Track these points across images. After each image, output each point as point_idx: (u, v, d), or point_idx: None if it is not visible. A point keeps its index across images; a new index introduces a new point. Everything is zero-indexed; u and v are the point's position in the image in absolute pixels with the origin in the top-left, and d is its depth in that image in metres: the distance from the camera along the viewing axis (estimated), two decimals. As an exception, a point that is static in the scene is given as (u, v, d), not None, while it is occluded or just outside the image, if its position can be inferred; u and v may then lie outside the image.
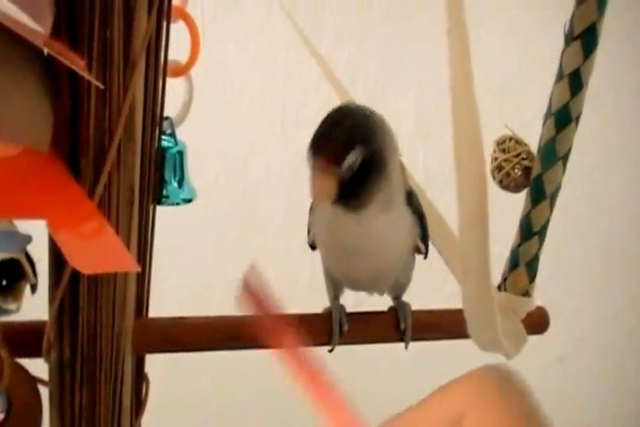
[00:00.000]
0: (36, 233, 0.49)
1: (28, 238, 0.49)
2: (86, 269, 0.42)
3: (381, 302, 0.77)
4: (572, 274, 1.57)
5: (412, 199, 0.69)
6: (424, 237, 0.72)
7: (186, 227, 1.34)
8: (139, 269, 0.45)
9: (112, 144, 0.52)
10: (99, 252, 0.45)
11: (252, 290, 0.61)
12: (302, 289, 1.24)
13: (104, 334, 0.57)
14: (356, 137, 0.60)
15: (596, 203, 1.59)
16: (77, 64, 0.45)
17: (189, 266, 1.37)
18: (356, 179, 0.60)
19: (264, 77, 1.42)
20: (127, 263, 0.46)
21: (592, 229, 1.60)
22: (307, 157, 0.61)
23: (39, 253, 0.54)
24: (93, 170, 0.52)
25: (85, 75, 0.45)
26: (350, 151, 0.59)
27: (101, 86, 0.48)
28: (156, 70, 0.56)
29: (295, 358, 0.53)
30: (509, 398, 0.33)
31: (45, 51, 0.48)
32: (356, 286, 0.76)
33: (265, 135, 1.42)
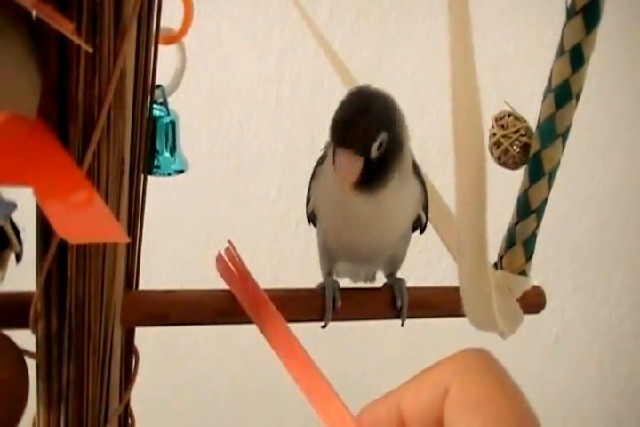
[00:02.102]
0: (22, 201, 0.48)
1: (13, 206, 0.48)
2: (73, 238, 0.41)
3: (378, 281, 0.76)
4: (567, 255, 1.57)
5: (416, 168, 0.70)
6: (425, 206, 0.72)
7: (178, 201, 1.33)
8: (128, 239, 0.44)
9: (102, 112, 0.50)
10: (87, 222, 0.44)
11: (228, 267, 0.61)
12: (295, 265, 1.24)
13: (92, 306, 0.56)
14: (381, 123, 0.60)
15: (590, 183, 1.58)
16: (66, 28, 0.43)
17: (181, 240, 1.36)
18: (378, 163, 0.61)
19: (259, 51, 1.41)
20: (116, 234, 0.45)
21: (587, 210, 1.59)
22: (330, 141, 0.62)
23: (24, 221, 0.53)
24: (82, 138, 0.51)
25: (75, 38, 0.44)
26: (377, 137, 0.59)
27: (90, 50, 0.47)
28: (148, 37, 0.55)
29: (277, 335, 0.53)
30: (491, 376, 0.34)
31: (33, 13, 0.47)
32: (353, 259, 0.75)
33: (259, 110, 1.41)
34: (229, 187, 1.38)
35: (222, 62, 1.38)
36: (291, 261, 1.33)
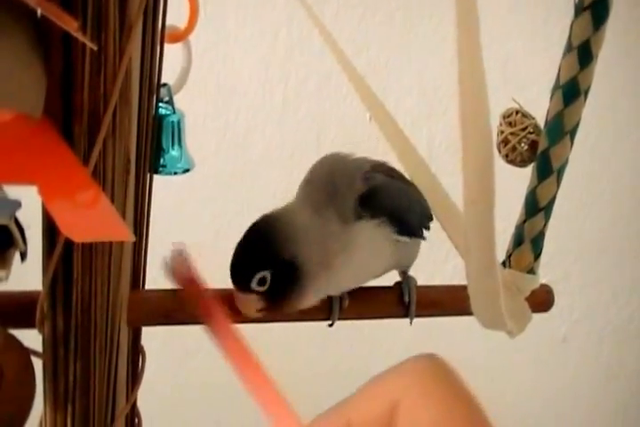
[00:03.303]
0: (26, 199, 0.47)
1: (18, 204, 0.48)
2: (79, 237, 0.41)
3: (386, 279, 0.76)
4: (574, 254, 1.57)
5: (366, 203, 0.68)
6: (403, 229, 0.70)
7: (184, 201, 1.33)
8: (133, 238, 0.44)
9: (107, 110, 0.50)
10: (92, 220, 0.44)
11: (179, 269, 0.60)
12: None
13: (99, 306, 0.56)
14: (254, 264, 0.62)
15: (598, 182, 1.58)
16: (71, 26, 0.43)
17: (187, 240, 1.36)
18: (278, 291, 0.62)
19: (265, 50, 1.41)
20: (122, 233, 0.45)
21: (595, 209, 1.59)
22: None
23: (28, 220, 0.53)
24: (88, 137, 0.50)
25: (79, 36, 0.44)
26: (253, 278, 0.61)
27: (95, 48, 0.46)
28: (154, 35, 0.55)
29: (224, 335, 0.53)
30: (443, 386, 0.34)
31: (38, 12, 0.47)
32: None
33: (266, 109, 1.40)
34: (235, 187, 1.38)
35: (228, 62, 1.38)
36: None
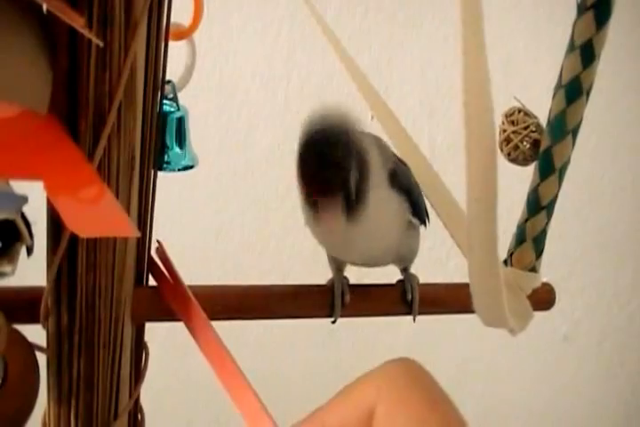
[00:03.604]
0: (33, 194, 0.48)
1: (24, 199, 0.48)
2: (84, 232, 0.41)
3: (387, 275, 0.76)
4: (576, 253, 1.57)
5: (395, 179, 0.68)
6: (416, 211, 0.71)
7: (187, 198, 1.33)
8: (138, 234, 0.44)
9: (112, 107, 0.50)
10: (97, 216, 0.44)
11: (160, 266, 0.61)
12: (304, 261, 1.24)
13: (103, 301, 0.56)
14: (346, 165, 0.60)
15: (600, 181, 1.58)
16: (77, 21, 0.44)
17: (190, 237, 1.36)
18: (356, 197, 0.62)
19: (268, 48, 1.41)
20: (127, 228, 0.45)
21: (596, 208, 1.59)
22: (299, 186, 0.63)
23: (35, 215, 0.53)
24: (93, 133, 0.51)
25: (85, 32, 0.44)
26: (347, 179, 0.60)
27: (101, 44, 0.47)
28: (158, 32, 0.55)
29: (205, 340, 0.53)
30: (419, 390, 0.34)
31: (44, 8, 0.47)
32: (358, 265, 0.75)
33: (268, 107, 1.40)
34: (238, 184, 1.38)
35: (231, 59, 1.38)
36: (300, 257, 1.33)
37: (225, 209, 1.39)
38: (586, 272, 1.58)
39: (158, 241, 0.63)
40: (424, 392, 0.34)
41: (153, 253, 0.63)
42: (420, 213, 0.72)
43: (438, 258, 1.30)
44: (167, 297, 0.60)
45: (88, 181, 0.46)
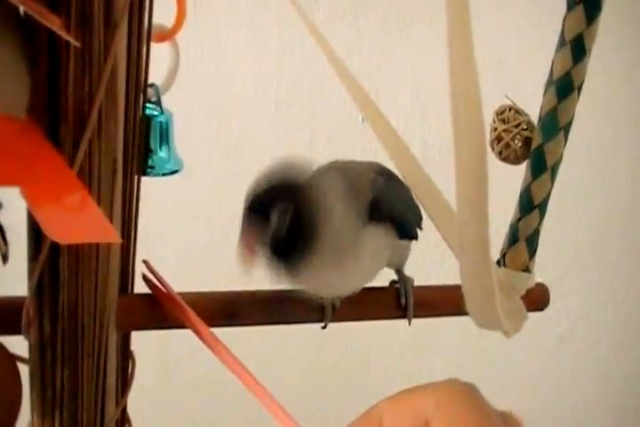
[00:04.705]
0: (7, 200, 0.47)
1: (-1, 205, 0.47)
2: (64, 239, 0.40)
3: (382, 277, 0.75)
4: (571, 253, 1.56)
5: (376, 209, 0.67)
6: (403, 233, 0.70)
7: (176, 206, 1.32)
8: (120, 240, 0.43)
9: (93, 110, 0.49)
10: (77, 222, 0.43)
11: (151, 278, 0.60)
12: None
13: (86, 310, 0.55)
14: (282, 192, 0.61)
15: (594, 180, 1.57)
16: (54, 23, 0.43)
17: (181, 244, 1.35)
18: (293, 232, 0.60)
19: (257, 53, 1.40)
20: (108, 234, 0.44)
21: (591, 208, 1.58)
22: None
23: (9, 221, 0.52)
24: (73, 137, 0.50)
25: (63, 34, 0.43)
26: (276, 203, 0.60)
27: (79, 45, 0.46)
28: (140, 34, 0.54)
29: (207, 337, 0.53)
30: (474, 414, 0.34)
31: (22, 10, 0.46)
32: None
33: (258, 111, 1.39)
34: (228, 190, 1.37)
35: (220, 63, 1.37)
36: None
37: (216, 215, 1.38)
38: (581, 272, 1.57)
39: (145, 261, 0.62)
40: (478, 413, 0.34)
41: (145, 270, 0.62)
42: (408, 234, 0.71)
43: (432, 260, 1.29)
44: (164, 306, 0.59)
45: (68, 187, 0.45)
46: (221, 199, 1.37)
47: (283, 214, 0.59)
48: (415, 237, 0.73)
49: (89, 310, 0.55)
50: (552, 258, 1.45)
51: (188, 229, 1.37)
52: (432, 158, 1.37)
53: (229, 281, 1.27)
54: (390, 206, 0.68)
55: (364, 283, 0.69)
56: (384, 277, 0.74)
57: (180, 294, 0.60)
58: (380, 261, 0.69)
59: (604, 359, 1.63)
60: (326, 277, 0.63)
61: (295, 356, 1.37)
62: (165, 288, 0.60)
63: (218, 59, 1.38)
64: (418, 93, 1.45)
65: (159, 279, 0.61)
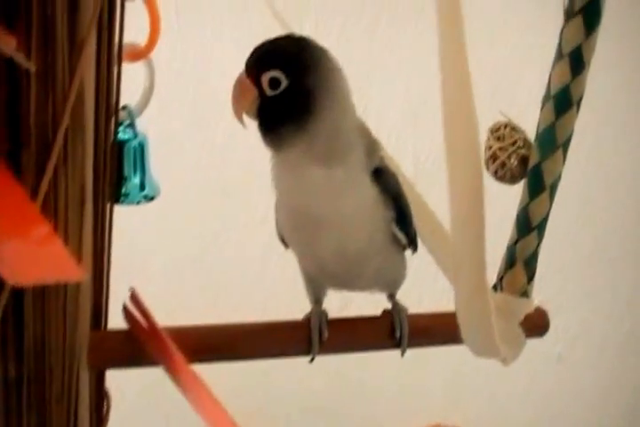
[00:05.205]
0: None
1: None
2: (23, 280, 0.37)
3: (369, 305, 0.72)
4: (570, 270, 1.54)
5: (381, 177, 0.64)
6: (403, 225, 0.66)
7: (159, 227, 1.29)
8: (84, 278, 0.40)
9: (57, 136, 0.47)
10: (39, 260, 0.39)
11: (135, 319, 0.57)
12: (286, 285, 1.20)
13: (54, 350, 0.51)
14: (277, 58, 0.60)
15: (591, 197, 1.55)
16: (8, 44, 0.39)
17: (162, 270, 1.32)
18: (274, 108, 0.60)
19: (242, 64, 1.37)
20: (73, 273, 0.40)
21: (590, 223, 1.56)
22: None
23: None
24: (36, 165, 0.47)
25: (16, 56, 0.40)
26: (268, 70, 0.59)
27: (33, 69, 0.42)
28: (110, 53, 0.52)
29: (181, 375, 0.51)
30: None
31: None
32: (333, 281, 0.70)
33: (244, 129, 1.37)
34: (215, 208, 1.34)
35: (205, 77, 1.35)
36: (281, 281, 1.29)
37: (203, 232, 1.35)
38: (579, 289, 1.55)
39: (131, 288, 0.59)
40: None
41: (127, 299, 0.59)
42: (406, 227, 0.67)
43: (425, 278, 1.26)
44: (142, 342, 0.56)
45: (30, 221, 0.42)
46: (206, 218, 1.34)
47: (275, 83, 0.59)
48: (414, 240, 0.70)
49: (57, 349, 0.52)
50: (550, 274, 1.43)
51: (175, 247, 1.34)
52: (425, 174, 1.34)
53: (216, 304, 1.24)
54: (396, 185, 0.66)
55: (347, 246, 0.64)
56: (376, 305, 0.72)
57: (164, 328, 0.57)
58: (362, 222, 0.64)
59: (604, 379, 1.60)
60: (305, 175, 0.61)
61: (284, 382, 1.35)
62: (148, 321, 0.57)
63: (201, 71, 1.35)
64: (409, 104, 1.42)
65: (142, 311, 0.58)
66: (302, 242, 0.66)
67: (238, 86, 0.61)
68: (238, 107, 0.61)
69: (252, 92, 0.60)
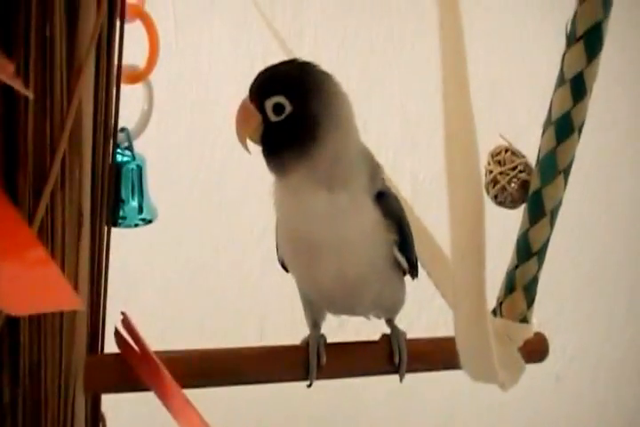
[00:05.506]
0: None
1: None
2: (18, 310, 0.37)
3: (367, 326, 0.73)
4: (567, 290, 1.54)
5: (384, 199, 0.64)
6: (405, 249, 0.65)
7: (155, 245, 1.28)
8: (82, 307, 0.39)
9: (55, 160, 0.46)
10: (35, 288, 0.39)
11: (126, 342, 0.57)
12: (283, 304, 1.19)
13: (50, 373, 0.51)
14: (280, 84, 0.60)
15: (589, 218, 1.55)
16: (6, 70, 0.39)
17: (157, 288, 1.30)
18: (278, 134, 0.60)
19: (241, 83, 1.37)
20: (70, 301, 0.40)
21: (588, 244, 1.56)
22: None
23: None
24: (33, 189, 0.46)
25: (16, 84, 0.39)
26: (272, 96, 0.59)
27: (31, 96, 0.42)
28: (108, 75, 0.51)
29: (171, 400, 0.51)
30: None
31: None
32: (332, 306, 0.70)
33: (241, 148, 1.36)
34: (212, 225, 1.33)
35: (202, 94, 1.34)
36: (278, 300, 1.28)
37: (199, 252, 1.33)
38: (577, 309, 1.55)
39: (123, 313, 0.58)
40: None
41: (118, 323, 0.58)
42: (408, 252, 0.66)
43: (422, 297, 1.26)
44: (133, 366, 0.55)
45: (25, 246, 0.41)
46: (203, 236, 1.33)
47: (280, 108, 0.59)
48: (414, 264, 0.69)
49: (53, 373, 0.51)
50: (548, 294, 1.42)
51: (169, 268, 1.33)
52: (423, 192, 1.34)
53: (211, 325, 1.23)
54: (399, 209, 0.66)
55: (347, 269, 0.63)
56: (373, 324, 0.72)
57: (155, 352, 0.56)
58: (363, 247, 0.63)
59: (602, 399, 1.59)
60: (308, 199, 0.61)
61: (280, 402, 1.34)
62: (139, 345, 0.56)
63: (199, 89, 1.35)
64: (408, 124, 1.42)
65: (134, 335, 0.57)
66: (302, 266, 0.65)
67: (242, 112, 0.60)
68: (242, 132, 0.60)
69: (256, 118, 0.59)
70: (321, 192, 0.60)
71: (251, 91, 0.60)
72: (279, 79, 0.60)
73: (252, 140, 0.61)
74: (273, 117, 0.59)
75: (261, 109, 0.59)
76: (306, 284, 0.68)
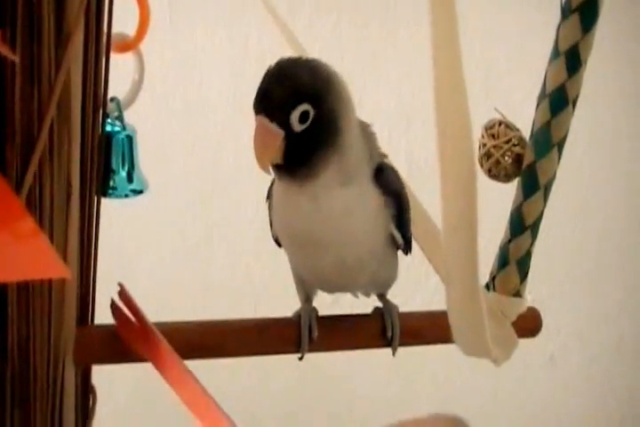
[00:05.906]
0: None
1: None
2: (4, 277, 0.36)
3: (360, 300, 0.73)
4: (562, 270, 1.53)
5: (383, 175, 0.63)
6: (401, 224, 0.65)
7: (149, 224, 1.28)
8: (69, 275, 0.39)
9: (42, 128, 0.46)
10: (21, 256, 0.38)
11: (123, 314, 0.56)
12: (277, 283, 1.19)
13: (39, 346, 0.51)
14: (303, 92, 0.57)
15: (586, 197, 1.54)
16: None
17: (151, 266, 1.30)
18: (304, 142, 0.57)
19: (235, 64, 1.36)
20: (57, 269, 0.39)
21: (583, 223, 1.55)
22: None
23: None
24: (21, 158, 0.46)
25: (2, 49, 0.38)
26: (297, 106, 0.56)
27: (17, 60, 0.41)
28: (98, 44, 0.51)
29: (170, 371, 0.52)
30: None
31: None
32: (327, 286, 0.70)
33: (236, 125, 1.35)
34: (205, 206, 1.33)
35: (196, 75, 1.33)
36: (272, 280, 1.28)
37: (191, 234, 1.33)
38: (572, 290, 1.54)
39: (120, 284, 0.58)
40: None
41: (114, 295, 0.57)
42: (404, 228, 0.66)
43: (417, 276, 1.26)
44: (130, 338, 0.55)
45: (13, 216, 0.41)
46: (196, 217, 1.33)
47: (305, 116, 0.56)
48: (409, 240, 0.69)
49: (42, 346, 0.51)
50: (542, 274, 1.42)
51: (162, 250, 1.33)
52: (418, 171, 1.33)
53: (204, 303, 1.23)
54: (398, 184, 0.66)
55: (345, 253, 0.63)
56: (366, 304, 0.71)
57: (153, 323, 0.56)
58: (367, 235, 0.64)
59: (597, 380, 1.59)
60: (327, 197, 0.60)
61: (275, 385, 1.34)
62: (136, 316, 0.56)
63: (193, 69, 1.34)
64: (403, 102, 1.41)
65: (131, 306, 0.57)
66: (301, 255, 0.66)
67: (262, 133, 0.57)
68: (266, 155, 0.57)
69: (280, 136, 0.56)
70: (336, 189, 0.59)
71: (268, 109, 0.56)
72: (298, 87, 0.57)
73: (273, 161, 0.57)
74: (298, 127, 0.56)
75: (284, 124, 0.56)
76: (301, 267, 0.68)
